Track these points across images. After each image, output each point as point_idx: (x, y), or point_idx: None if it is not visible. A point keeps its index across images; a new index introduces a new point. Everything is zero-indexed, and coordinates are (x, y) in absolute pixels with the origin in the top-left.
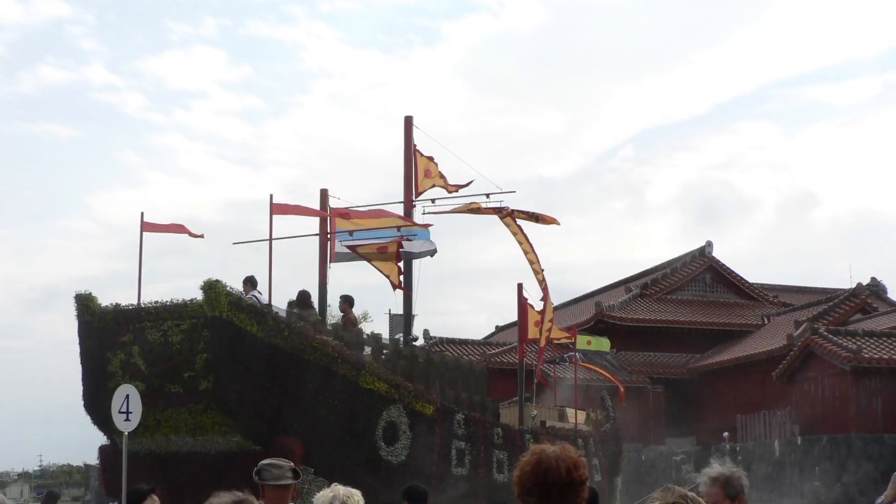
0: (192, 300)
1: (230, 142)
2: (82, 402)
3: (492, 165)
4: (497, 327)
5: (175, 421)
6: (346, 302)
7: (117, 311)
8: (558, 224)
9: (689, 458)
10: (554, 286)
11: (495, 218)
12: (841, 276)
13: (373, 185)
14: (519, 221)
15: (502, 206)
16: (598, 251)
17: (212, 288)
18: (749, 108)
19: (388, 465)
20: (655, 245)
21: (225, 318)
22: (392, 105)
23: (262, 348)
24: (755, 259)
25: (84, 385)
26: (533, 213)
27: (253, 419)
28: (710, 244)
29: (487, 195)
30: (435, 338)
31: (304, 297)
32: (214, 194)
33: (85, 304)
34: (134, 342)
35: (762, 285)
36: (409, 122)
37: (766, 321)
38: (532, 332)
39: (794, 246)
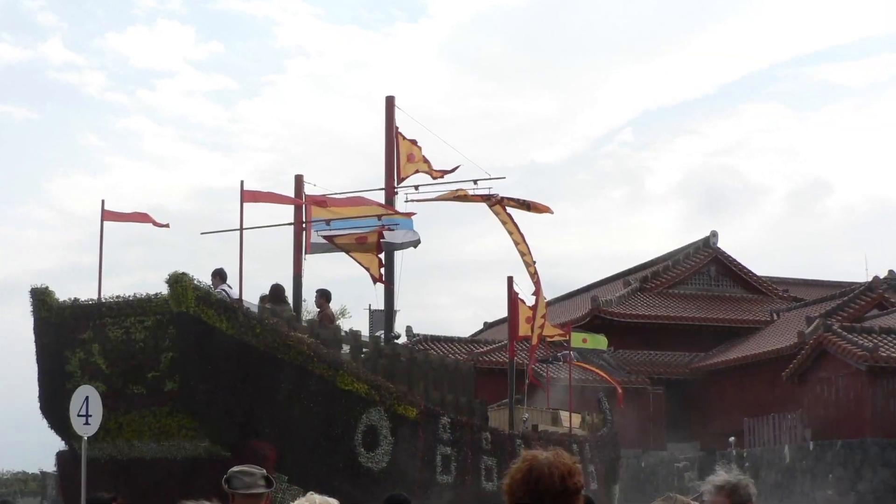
0: (156, 295)
1: (199, 125)
2: (38, 405)
3: (480, 150)
4: (485, 324)
5: (138, 425)
6: (323, 296)
7: (76, 306)
8: (551, 213)
9: (693, 464)
10: (547, 279)
11: (483, 206)
12: (856, 268)
13: (352, 170)
14: (509, 210)
15: (491, 193)
16: (594, 242)
17: (178, 281)
18: (757, 90)
19: (369, 473)
20: (656, 236)
21: (192, 314)
22: (373, 85)
23: (233, 346)
24: (763, 251)
25: (40, 386)
26: (524, 201)
27: (222, 423)
28: (714, 234)
29: (475, 182)
30: (418, 335)
31: (277, 291)
32: (182, 181)
33: (41, 298)
34: (94, 340)
35: (771, 279)
36: (390, 103)
37: (775, 317)
38: (523, 329)
39: (806, 237)
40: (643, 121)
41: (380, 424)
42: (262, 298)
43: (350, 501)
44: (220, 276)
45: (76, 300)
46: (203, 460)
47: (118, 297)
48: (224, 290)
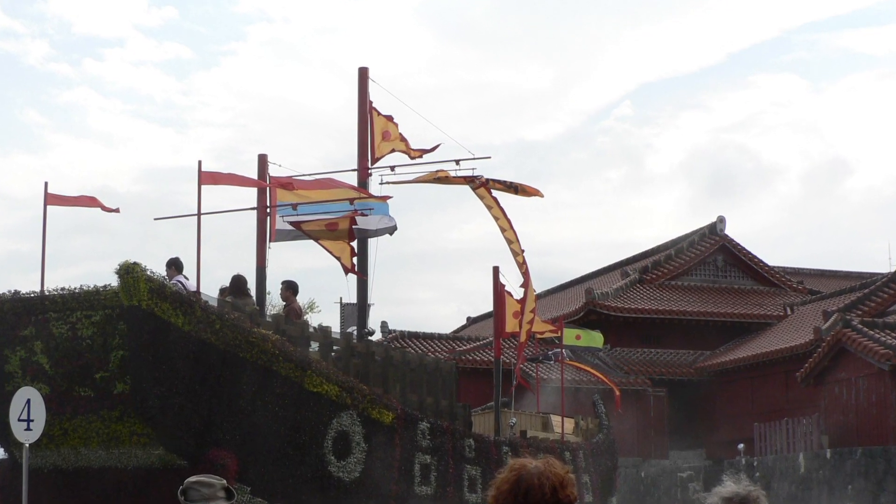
0: (105, 287)
1: (151, 98)
2: None
3: (464, 127)
4: (469, 319)
5: (85, 430)
6: (290, 289)
7: (16, 299)
8: (541, 196)
9: (698, 474)
10: (537, 270)
11: (467, 189)
12: (878, 257)
13: (321, 149)
14: (495, 193)
15: (475, 174)
16: (589, 228)
17: (129, 272)
18: (769, 58)
19: (340, 483)
20: (657, 221)
21: (145, 308)
22: (344, 55)
23: (190, 344)
24: (776, 238)
25: None
26: (511, 184)
27: (178, 429)
28: (722, 220)
29: (457, 162)
30: (395, 331)
31: (238, 283)
32: (132, 160)
33: None
34: (36, 337)
35: (784, 269)
36: (363, 74)
37: (788, 312)
38: (511, 325)
39: (823, 222)
40: (644, 94)
41: (352, 430)
42: (223, 291)
43: None
44: (175, 266)
45: (16, 293)
46: (157, 470)
47: (63, 289)
48: (180, 281)
